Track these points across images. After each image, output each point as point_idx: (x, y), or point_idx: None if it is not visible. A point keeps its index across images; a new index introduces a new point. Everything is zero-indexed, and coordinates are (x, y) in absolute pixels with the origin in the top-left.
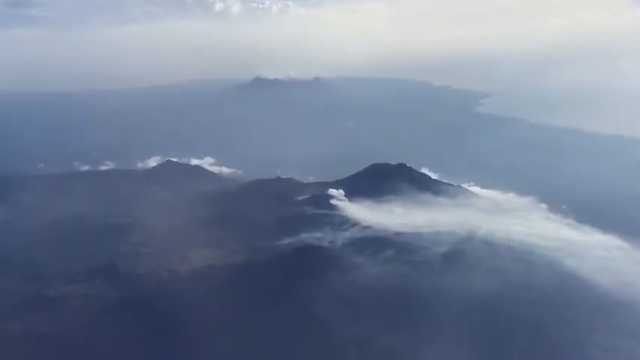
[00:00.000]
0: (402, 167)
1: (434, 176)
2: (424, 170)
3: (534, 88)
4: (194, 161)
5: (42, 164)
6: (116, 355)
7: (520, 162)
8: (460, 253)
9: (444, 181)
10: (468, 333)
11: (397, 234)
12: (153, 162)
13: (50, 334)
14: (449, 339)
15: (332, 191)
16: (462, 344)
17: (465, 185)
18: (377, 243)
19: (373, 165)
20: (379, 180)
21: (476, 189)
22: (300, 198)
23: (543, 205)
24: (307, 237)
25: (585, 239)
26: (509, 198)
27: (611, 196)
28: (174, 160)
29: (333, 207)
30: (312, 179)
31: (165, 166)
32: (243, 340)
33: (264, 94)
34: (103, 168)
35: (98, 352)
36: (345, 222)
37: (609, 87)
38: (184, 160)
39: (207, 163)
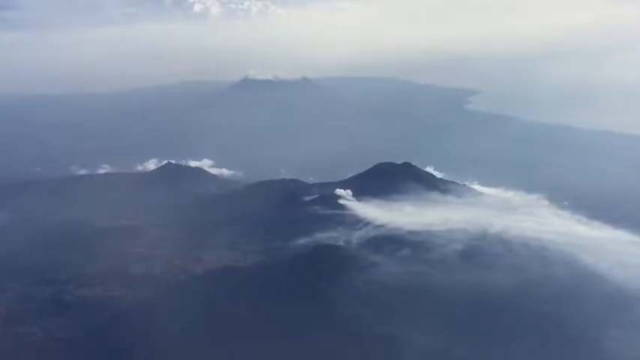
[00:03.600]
0: (407, 166)
1: (439, 175)
2: (429, 169)
3: (521, 85)
4: (193, 163)
5: (38, 168)
6: (138, 358)
7: (517, 159)
8: (476, 251)
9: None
10: (489, 329)
11: (411, 232)
12: (151, 165)
13: (70, 338)
14: (472, 336)
15: (339, 191)
16: (485, 341)
17: (467, 183)
18: (392, 242)
19: (378, 164)
20: (385, 179)
21: (478, 187)
22: (307, 198)
23: (545, 202)
24: (322, 237)
25: (599, 235)
26: (514, 195)
27: (611, 191)
28: (173, 162)
29: (342, 207)
30: (312, 180)
31: (165, 168)
32: (269, 340)
33: (254, 95)
34: (102, 171)
35: (119, 356)
36: (358, 221)
37: (596, 83)
38: (182, 163)
39: (206, 164)
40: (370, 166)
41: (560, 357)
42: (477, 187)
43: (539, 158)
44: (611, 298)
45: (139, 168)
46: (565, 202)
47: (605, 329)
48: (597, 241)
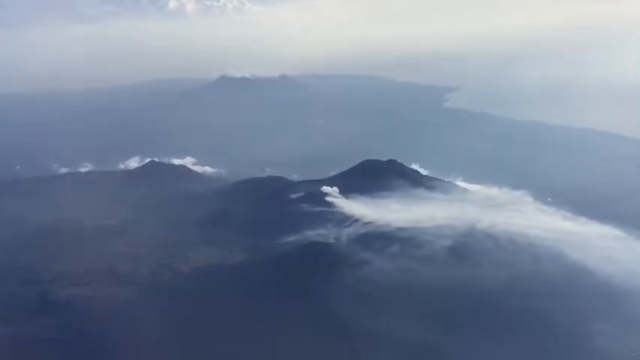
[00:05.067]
0: (392, 163)
1: (424, 172)
2: (414, 166)
3: (498, 83)
4: (175, 161)
5: (18, 167)
6: (127, 357)
7: (498, 156)
8: (465, 247)
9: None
10: (481, 326)
11: (399, 229)
12: (134, 163)
13: (59, 338)
14: (463, 332)
15: (326, 188)
16: (477, 337)
17: (451, 180)
18: (381, 239)
19: (364, 162)
20: (371, 176)
21: (462, 184)
22: (294, 196)
23: (530, 199)
24: (311, 234)
25: (585, 230)
26: (499, 192)
27: (593, 188)
28: (156, 160)
29: (329, 204)
30: (296, 177)
31: (149, 166)
32: (260, 338)
33: (233, 93)
34: (83, 170)
35: (109, 355)
36: (346, 219)
37: (574, 82)
38: (165, 161)
39: (188, 162)
40: (354, 163)
41: (551, 352)
42: (461, 183)
43: (519, 155)
44: (599, 293)
45: (121, 166)
46: (548, 199)
47: (594, 324)
48: (584, 236)
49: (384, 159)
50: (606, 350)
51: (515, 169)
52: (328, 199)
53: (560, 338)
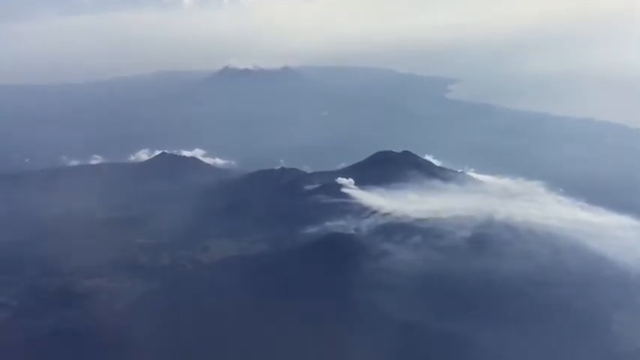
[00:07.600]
0: (407, 155)
1: (437, 163)
2: (428, 157)
3: (500, 74)
4: (185, 153)
5: (27, 159)
6: (150, 349)
7: (506, 147)
8: (485, 238)
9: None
10: (505, 315)
11: (419, 220)
12: (143, 155)
13: (82, 330)
14: (489, 321)
15: (341, 180)
16: (501, 325)
17: (463, 171)
18: (402, 229)
19: (378, 153)
20: (386, 168)
21: (475, 175)
22: (309, 187)
23: (542, 189)
24: (331, 225)
25: (602, 221)
26: (512, 183)
27: (603, 177)
28: (167, 152)
29: (346, 195)
30: (307, 169)
31: (160, 158)
32: (285, 329)
33: (237, 85)
34: (94, 162)
35: (132, 347)
36: (364, 210)
37: (572, 73)
38: (175, 152)
39: (198, 154)
40: (363, 155)
41: (572, 341)
42: (473, 174)
43: (525, 146)
44: (619, 283)
45: (132, 158)
46: (560, 189)
47: (614, 314)
48: (602, 227)
49: (395, 150)
50: (626, 339)
51: (523, 160)
52: (344, 190)
53: (581, 327)
